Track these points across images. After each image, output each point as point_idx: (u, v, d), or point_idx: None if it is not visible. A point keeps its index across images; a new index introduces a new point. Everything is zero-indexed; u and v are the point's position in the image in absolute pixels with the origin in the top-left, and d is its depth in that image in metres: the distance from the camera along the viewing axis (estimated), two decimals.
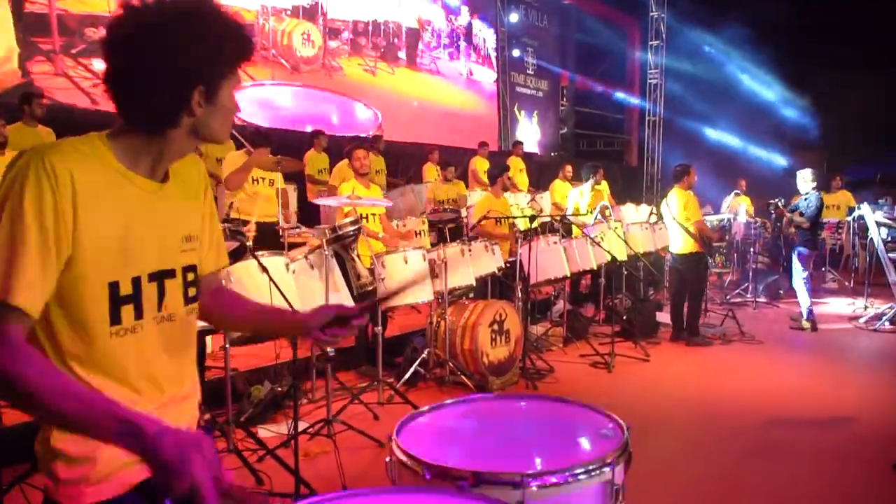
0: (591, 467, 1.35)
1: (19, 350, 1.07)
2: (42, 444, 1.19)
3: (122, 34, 1.14)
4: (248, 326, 1.46)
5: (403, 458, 1.39)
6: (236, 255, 3.31)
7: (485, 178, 8.71)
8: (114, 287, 1.16)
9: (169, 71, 1.13)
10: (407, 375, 4.85)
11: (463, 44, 13.80)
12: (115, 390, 1.16)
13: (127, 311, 1.18)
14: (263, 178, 5.58)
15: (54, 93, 7.16)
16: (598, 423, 1.63)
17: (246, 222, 4.12)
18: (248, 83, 9.48)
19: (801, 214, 7.21)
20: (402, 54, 12.27)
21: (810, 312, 7.22)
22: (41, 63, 7.20)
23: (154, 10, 1.14)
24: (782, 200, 7.84)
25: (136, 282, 1.19)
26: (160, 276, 1.22)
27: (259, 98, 9.66)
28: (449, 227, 6.79)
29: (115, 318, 1.16)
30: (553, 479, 1.31)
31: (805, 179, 7.35)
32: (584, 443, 1.54)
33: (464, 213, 7.12)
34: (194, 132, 1.21)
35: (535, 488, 1.28)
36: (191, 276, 1.29)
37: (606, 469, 1.36)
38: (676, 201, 6.52)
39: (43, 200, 1.08)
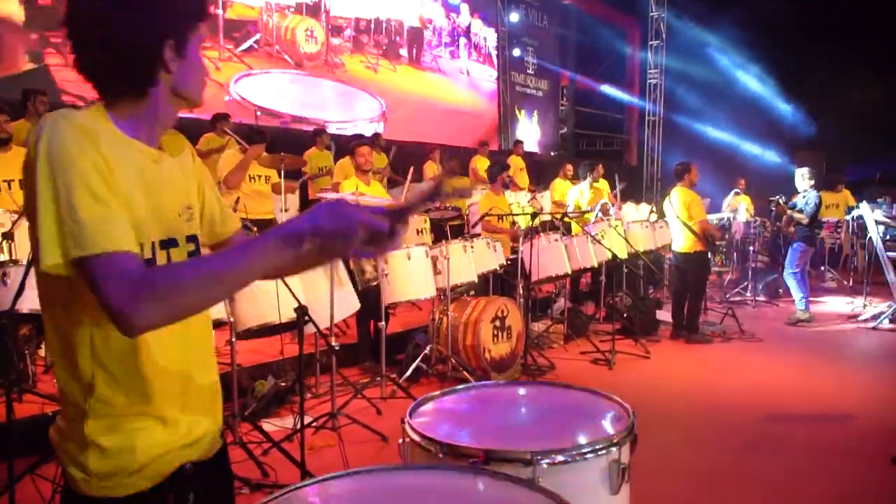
0: (598, 446, 1.39)
1: (147, 277, 1.08)
2: (67, 435, 1.17)
3: (86, 5, 1.17)
4: (288, 266, 1.47)
5: (417, 438, 1.43)
6: None
7: (485, 177, 8.75)
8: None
9: (139, 27, 1.16)
10: (409, 371, 4.88)
11: (464, 42, 13.86)
12: (139, 357, 1.17)
13: None
14: (261, 176, 5.61)
15: (66, 85, 7.44)
16: (605, 407, 1.67)
17: (256, 221, 4.14)
18: (256, 71, 9.75)
19: (800, 212, 7.33)
20: (403, 52, 12.35)
21: (805, 302, 7.34)
22: (53, 55, 7.47)
23: None
24: (783, 197, 7.91)
25: (153, 248, 1.19)
26: (168, 245, 1.23)
27: (266, 85, 9.94)
28: (450, 225, 6.83)
29: None
30: (563, 457, 1.35)
31: (803, 177, 7.45)
32: (591, 425, 1.58)
33: (467, 203, 7.16)
34: (174, 91, 1.23)
35: (545, 465, 1.32)
36: (191, 247, 1.29)
37: (614, 449, 1.40)
38: (679, 200, 6.56)
39: (88, 150, 1.09)
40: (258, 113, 9.41)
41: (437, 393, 1.75)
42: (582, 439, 1.46)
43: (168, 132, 1.33)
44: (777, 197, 7.94)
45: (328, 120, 10.54)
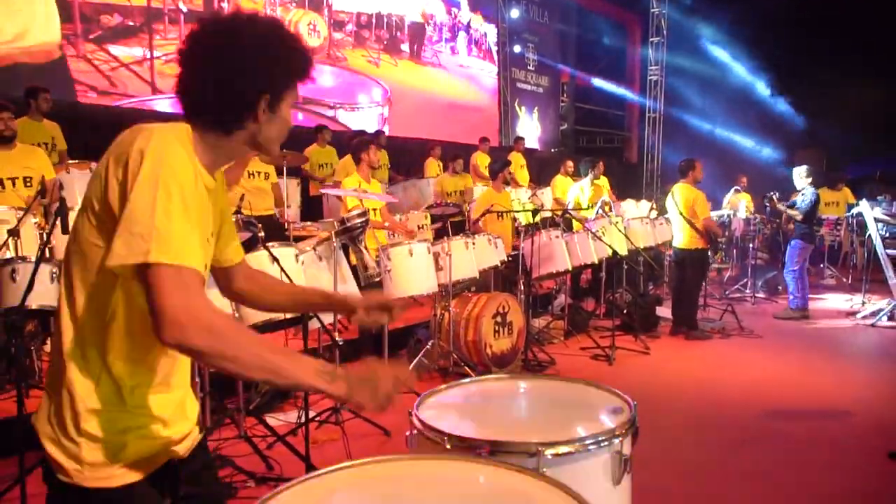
0: (601, 438, 1.43)
1: (213, 310, 1.13)
2: (61, 427, 1.21)
3: (206, 42, 1.26)
4: (289, 304, 1.58)
5: (424, 430, 1.47)
6: (248, 246, 3.38)
7: (486, 173, 8.78)
8: None
9: (246, 76, 1.25)
10: (411, 366, 4.92)
11: (465, 38, 13.91)
12: (148, 360, 1.24)
13: None
14: (260, 172, 5.64)
15: (80, 75, 7.64)
16: (607, 400, 1.71)
17: (258, 217, 4.18)
18: None
19: (795, 209, 7.41)
20: (405, 47, 12.43)
21: (796, 302, 7.41)
22: (64, 47, 7.58)
23: (234, 23, 1.27)
24: (777, 194, 7.96)
25: None
26: None
27: None
28: (452, 221, 6.86)
29: None
30: (566, 449, 1.39)
31: (800, 175, 7.48)
32: (594, 418, 1.62)
33: (466, 206, 7.19)
34: (252, 139, 1.31)
35: (549, 456, 1.36)
36: (205, 272, 1.35)
37: (616, 440, 1.44)
38: (682, 197, 6.57)
39: (190, 171, 1.17)
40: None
41: (443, 386, 1.80)
42: (585, 431, 1.50)
43: None
44: (770, 193, 7.99)
45: (337, 102, 10.92)
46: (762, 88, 17.02)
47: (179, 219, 1.12)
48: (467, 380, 1.88)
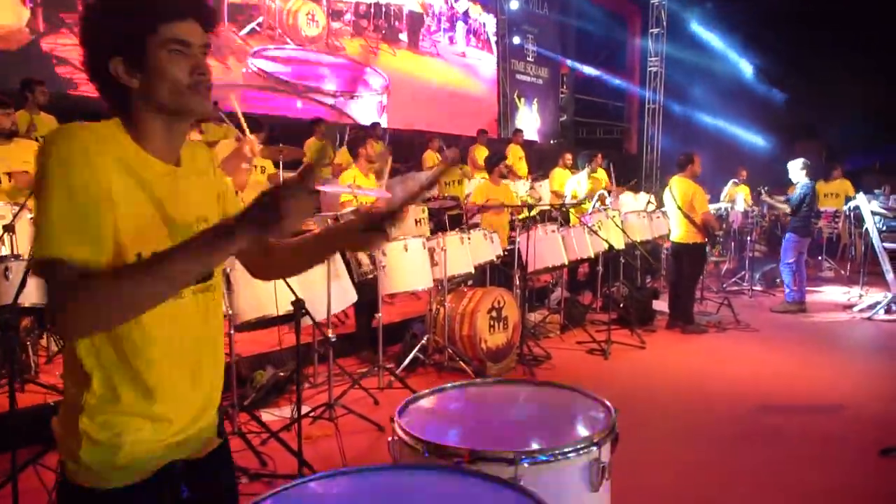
0: (579, 446, 1.44)
1: (80, 286, 1.07)
2: (64, 426, 1.23)
3: None
4: (309, 260, 1.49)
5: (405, 437, 1.48)
6: None
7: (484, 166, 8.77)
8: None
9: (88, 48, 1.20)
10: (406, 361, 4.94)
11: (463, 28, 13.88)
12: (139, 360, 1.22)
13: None
14: (256, 166, 5.62)
15: (65, 55, 7.77)
16: (589, 406, 1.71)
17: None
18: (271, 47, 10.34)
19: (787, 202, 7.44)
20: (403, 36, 12.44)
21: (793, 296, 7.43)
22: (66, 36, 7.70)
23: None
24: (767, 188, 7.98)
25: None
26: None
27: (282, 58, 10.53)
28: (448, 215, 6.86)
29: None
30: (544, 457, 1.40)
31: (796, 169, 7.46)
32: (575, 424, 1.63)
33: (467, 188, 7.17)
34: (152, 107, 1.22)
35: (527, 465, 1.37)
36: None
37: (594, 448, 1.45)
38: (680, 191, 6.56)
39: (87, 156, 1.12)
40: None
41: (427, 391, 1.81)
42: (564, 439, 1.51)
43: (193, 145, 1.35)
44: (760, 188, 8.02)
45: (338, 90, 11.17)
46: (762, 80, 16.96)
47: (61, 205, 1.08)
48: (449, 385, 1.89)
